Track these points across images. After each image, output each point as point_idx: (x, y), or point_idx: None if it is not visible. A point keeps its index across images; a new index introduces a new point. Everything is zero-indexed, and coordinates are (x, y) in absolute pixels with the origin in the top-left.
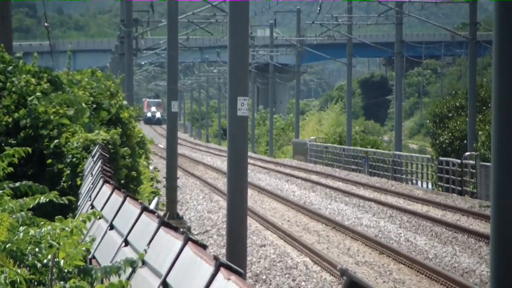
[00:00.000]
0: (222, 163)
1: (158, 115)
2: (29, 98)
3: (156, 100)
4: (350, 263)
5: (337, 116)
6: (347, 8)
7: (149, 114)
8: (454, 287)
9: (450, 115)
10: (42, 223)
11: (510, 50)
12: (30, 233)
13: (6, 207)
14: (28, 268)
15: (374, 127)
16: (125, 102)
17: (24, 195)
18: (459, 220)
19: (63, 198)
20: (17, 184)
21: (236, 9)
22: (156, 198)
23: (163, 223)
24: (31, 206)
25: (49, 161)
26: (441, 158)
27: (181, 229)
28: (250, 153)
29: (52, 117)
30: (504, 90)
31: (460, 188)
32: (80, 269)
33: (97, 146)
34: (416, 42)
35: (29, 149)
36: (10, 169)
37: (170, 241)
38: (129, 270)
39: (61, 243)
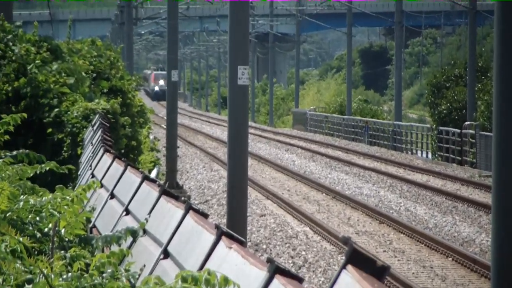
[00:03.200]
0: (222, 133)
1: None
2: (29, 67)
3: (164, 72)
4: (351, 232)
5: (338, 86)
6: None
7: (156, 88)
8: (454, 256)
9: (448, 85)
10: (41, 192)
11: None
12: (31, 202)
13: (3, 175)
14: (28, 237)
15: (374, 97)
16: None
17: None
18: (459, 190)
19: (63, 167)
20: (14, 152)
21: None
22: (156, 168)
23: (164, 192)
24: (31, 175)
25: (49, 130)
26: (440, 128)
27: (183, 198)
28: (250, 123)
29: (52, 86)
30: (505, 59)
31: (459, 158)
32: (81, 238)
33: (97, 115)
34: (416, 11)
35: (25, 115)
36: (7, 137)
37: (171, 210)
38: (130, 239)
39: (62, 212)
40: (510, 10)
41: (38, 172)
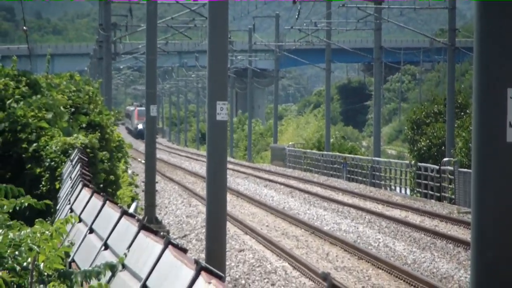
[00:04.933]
0: (200, 168)
1: None
2: (8, 101)
3: None
4: (329, 268)
5: (317, 121)
6: (326, 13)
7: (140, 126)
8: None
9: (427, 121)
10: (18, 227)
11: (490, 50)
12: (10, 236)
13: None
14: (7, 271)
15: (352, 133)
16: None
17: None
18: (438, 226)
19: (40, 202)
20: None
21: (215, 13)
22: (135, 202)
23: (143, 227)
24: (10, 210)
25: (29, 166)
26: (419, 164)
27: (162, 233)
28: (228, 158)
29: (30, 120)
30: (484, 93)
31: (438, 194)
32: (60, 273)
33: (75, 150)
34: (395, 48)
35: None
36: None
37: (150, 244)
38: (109, 273)
39: (41, 247)
40: (487, 48)
41: (17, 208)
